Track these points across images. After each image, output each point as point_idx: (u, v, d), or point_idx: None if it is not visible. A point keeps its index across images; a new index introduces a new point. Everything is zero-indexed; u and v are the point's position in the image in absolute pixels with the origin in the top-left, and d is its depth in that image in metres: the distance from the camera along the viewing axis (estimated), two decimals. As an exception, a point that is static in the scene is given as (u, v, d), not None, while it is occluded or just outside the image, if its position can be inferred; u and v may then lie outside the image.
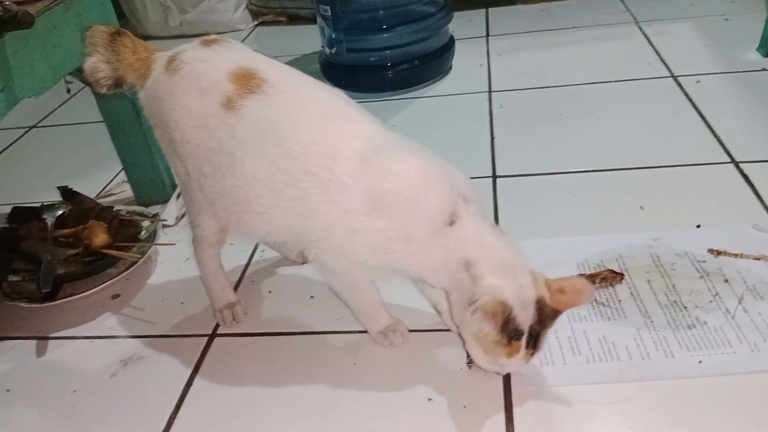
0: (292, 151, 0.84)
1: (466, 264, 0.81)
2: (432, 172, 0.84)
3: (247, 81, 0.87)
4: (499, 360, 0.82)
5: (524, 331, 0.80)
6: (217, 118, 0.88)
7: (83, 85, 1.17)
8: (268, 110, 0.86)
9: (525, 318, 0.79)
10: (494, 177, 1.38)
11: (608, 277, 1.04)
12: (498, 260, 0.81)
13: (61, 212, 1.27)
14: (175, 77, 0.91)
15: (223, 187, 0.91)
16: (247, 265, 1.22)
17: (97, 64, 0.97)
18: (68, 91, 1.44)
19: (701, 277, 1.03)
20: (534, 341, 0.81)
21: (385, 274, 0.90)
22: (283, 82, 0.89)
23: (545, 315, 0.81)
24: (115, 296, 1.18)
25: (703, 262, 1.06)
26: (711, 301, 0.98)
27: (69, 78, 1.24)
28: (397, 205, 0.82)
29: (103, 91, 0.99)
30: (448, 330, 0.98)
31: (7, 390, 1.02)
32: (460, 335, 0.89)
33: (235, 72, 0.88)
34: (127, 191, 1.49)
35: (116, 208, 1.32)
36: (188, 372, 0.99)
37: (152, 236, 1.27)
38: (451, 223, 0.82)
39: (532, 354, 0.82)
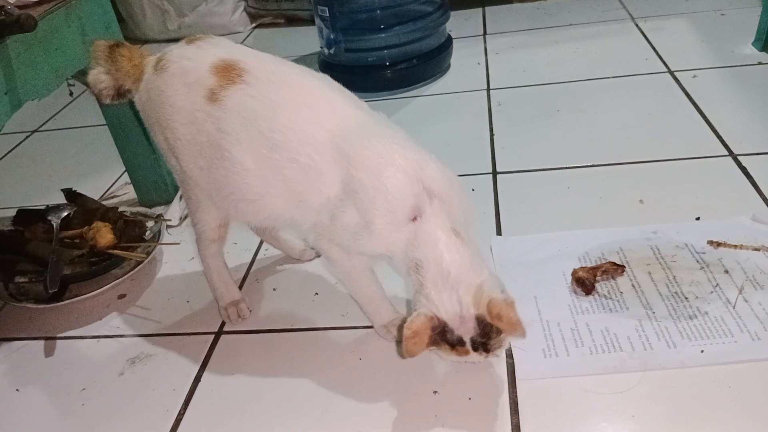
0: (273, 140, 0.85)
1: (417, 265, 0.81)
2: (398, 161, 0.82)
3: (228, 72, 0.88)
4: (451, 358, 0.83)
5: (466, 340, 0.80)
6: (203, 112, 0.89)
7: (85, 87, 1.18)
8: (250, 99, 0.87)
9: (465, 330, 0.80)
10: (494, 173, 1.39)
11: (609, 270, 1.04)
12: (444, 272, 0.80)
13: (66, 214, 1.28)
14: (163, 76, 0.93)
15: (217, 178, 0.92)
16: (252, 263, 1.23)
17: (98, 75, 1.00)
18: (71, 93, 1.45)
19: (701, 268, 1.04)
20: (483, 348, 0.81)
21: (375, 259, 0.91)
22: (264, 70, 0.89)
23: (490, 331, 0.80)
24: (122, 296, 1.19)
25: (703, 253, 1.07)
26: (711, 292, 0.99)
27: (71, 81, 1.25)
28: (362, 192, 0.82)
29: (108, 101, 1.02)
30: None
31: (17, 390, 1.02)
32: None
33: (216, 65, 0.89)
34: (130, 193, 1.50)
35: (120, 209, 1.33)
36: (195, 369, 1.00)
37: (157, 236, 1.28)
38: (414, 218, 0.82)
39: (484, 356, 0.82)
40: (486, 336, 0.80)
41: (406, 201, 0.81)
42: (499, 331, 0.80)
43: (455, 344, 0.80)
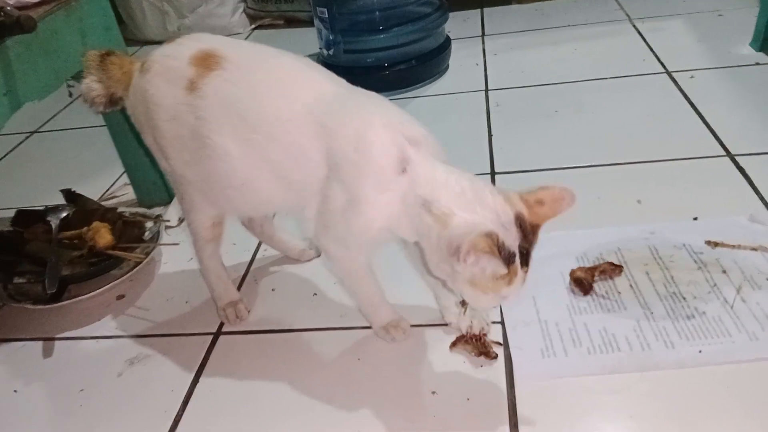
0: (252, 121, 0.86)
1: (424, 204, 0.78)
2: (375, 122, 0.82)
3: (205, 61, 0.89)
4: (500, 293, 0.77)
5: (515, 253, 0.75)
6: (184, 105, 0.90)
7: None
8: (227, 84, 0.87)
9: (512, 239, 0.75)
10: (492, 174, 1.39)
11: (607, 270, 1.05)
12: (459, 191, 0.77)
13: (65, 214, 1.28)
14: (146, 77, 0.94)
15: (205, 169, 0.92)
16: (250, 263, 1.23)
17: (90, 84, 1.01)
18: (70, 94, 1.46)
19: (699, 268, 1.04)
20: (525, 259, 0.77)
21: (375, 247, 0.90)
22: (241, 55, 0.90)
23: (528, 231, 0.76)
24: (120, 297, 1.20)
25: (701, 253, 1.07)
26: (709, 292, 0.99)
27: (71, 82, 1.26)
28: (344, 161, 0.82)
29: (101, 109, 1.03)
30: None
31: (15, 390, 1.03)
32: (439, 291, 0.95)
33: (195, 55, 0.90)
34: (129, 194, 1.50)
35: (119, 209, 1.33)
36: (194, 370, 1.00)
37: (156, 237, 1.28)
38: (403, 170, 0.80)
39: (526, 272, 0.78)
40: (527, 240, 0.76)
41: (392, 155, 0.80)
42: (534, 230, 0.77)
43: (508, 263, 0.75)
